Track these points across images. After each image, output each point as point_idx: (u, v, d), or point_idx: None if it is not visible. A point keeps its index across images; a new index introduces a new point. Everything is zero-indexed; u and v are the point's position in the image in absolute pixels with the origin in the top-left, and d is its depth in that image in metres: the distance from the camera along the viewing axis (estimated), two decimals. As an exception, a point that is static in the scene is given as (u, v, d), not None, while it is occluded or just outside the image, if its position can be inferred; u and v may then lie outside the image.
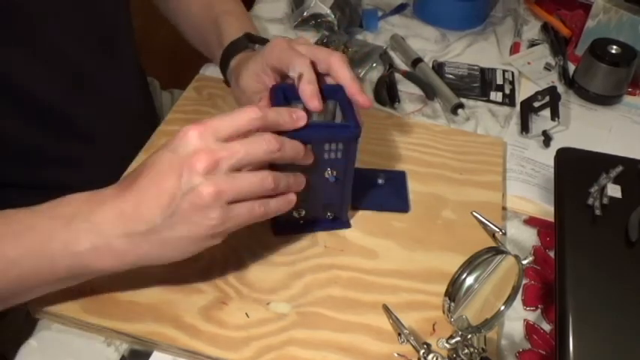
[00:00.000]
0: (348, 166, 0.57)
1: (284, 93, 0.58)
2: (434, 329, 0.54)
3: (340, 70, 0.58)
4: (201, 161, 0.47)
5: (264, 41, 0.70)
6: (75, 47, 0.67)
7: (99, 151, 0.74)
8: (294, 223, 0.61)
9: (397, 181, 0.68)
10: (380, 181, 0.67)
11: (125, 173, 0.63)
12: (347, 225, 0.63)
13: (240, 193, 0.49)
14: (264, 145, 0.49)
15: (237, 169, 0.49)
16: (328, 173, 0.57)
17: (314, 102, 0.56)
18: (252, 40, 0.72)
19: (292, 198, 0.54)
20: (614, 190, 0.60)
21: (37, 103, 0.65)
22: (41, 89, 0.64)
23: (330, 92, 0.58)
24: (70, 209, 0.49)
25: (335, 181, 0.57)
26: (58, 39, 0.64)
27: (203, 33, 0.79)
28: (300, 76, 0.57)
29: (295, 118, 0.52)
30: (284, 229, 0.61)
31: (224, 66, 0.73)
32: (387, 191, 0.67)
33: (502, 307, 0.47)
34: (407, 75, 0.87)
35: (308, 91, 0.56)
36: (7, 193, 0.66)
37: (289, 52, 0.60)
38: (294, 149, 0.52)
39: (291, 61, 0.59)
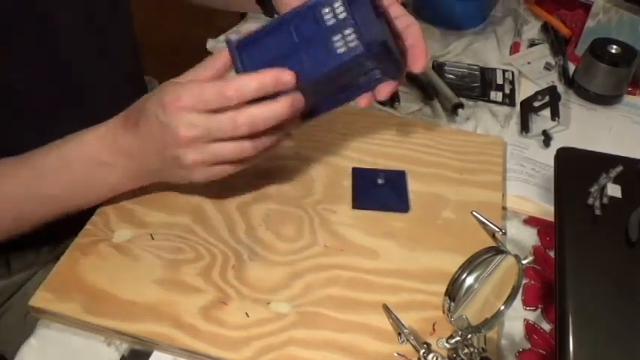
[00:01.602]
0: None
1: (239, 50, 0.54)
2: (434, 329, 0.54)
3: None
4: (187, 136, 0.51)
5: None
6: (74, 47, 0.67)
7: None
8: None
9: (397, 180, 0.68)
10: (380, 181, 0.67)
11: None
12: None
13: (220, 158, 0.54)
14: (229, 125, 0.51)
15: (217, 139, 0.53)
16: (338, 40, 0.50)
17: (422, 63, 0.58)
18: None
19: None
20: (614, 190, 0.60)
21: (33, 105, 0.65)
22: (40, 88, 0.64)
23: None
24: (93, 148, 0.56)
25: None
26: (55, 38, 0.64)
27: None
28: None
29: (282, 81, 0.51)
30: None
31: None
32: (386, 191, 0.67)
33: (502, 307, 0.47)
34: (407, 75, 0.87)
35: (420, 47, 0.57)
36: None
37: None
38: (269, 118, 0.52)
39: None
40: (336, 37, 0.50)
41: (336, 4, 0.51)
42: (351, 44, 0.50)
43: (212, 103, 0.51)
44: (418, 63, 0.58)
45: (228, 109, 0.51)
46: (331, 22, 0.50)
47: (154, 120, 0.52)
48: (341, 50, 0.50)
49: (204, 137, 0.52)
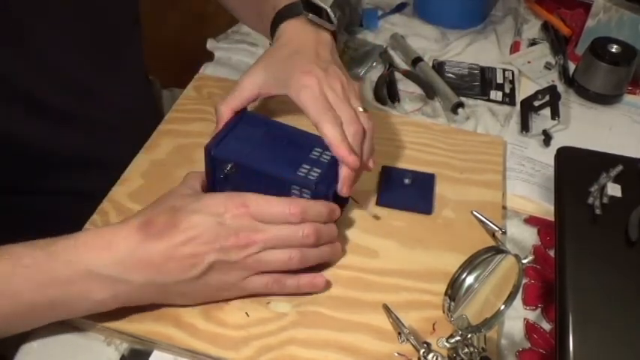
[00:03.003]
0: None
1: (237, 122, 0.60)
2: (434, 329, 0.54)
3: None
4: (240, 240, 0.51)
5: (321, 11, 0.66)
6: (75, 47, 0.67)
7: (98, 150, 0.74)
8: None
9: (424, 182, 0.68)
10: (406, 181, 0.67)
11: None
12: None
13: (265, 267, 0.53)
14: (298, 236, 0.53)
15: (270, 248, 0.52)
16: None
17: (346, 189, 0.57)
18: (309, 8, 0.66)
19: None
20: (614, 190, 0.60)
21: (36, 103, 0.65)
22: (40, 88, 0.64)
23: None
24: (88, 254, 0.49)
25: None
26: (57, 39, 0.64)
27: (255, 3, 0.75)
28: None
29: (333, 215, 0.56)
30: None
31: (273, 29, 0.69)
32: (412, 192, 0.67)
33: (502, 307, 0.47)
34: (407, 74, 0.87)
35: (347, 177, 0.56)
36: (8, 198, 0.66)
37: (320, 109, 0.57)
38: (329, 234, 0.56)
39: (320, 122, 0.56)
40: (295, 190, 0.56)
41: (305, 194, 0.56)
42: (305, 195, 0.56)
43: (276, 217, 0.52)
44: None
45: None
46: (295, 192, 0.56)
47: (208, 220, 0.50)
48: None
49: (262, 243, 0.52)
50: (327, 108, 0.57)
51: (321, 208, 0.55)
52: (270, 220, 0.52)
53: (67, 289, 0.49)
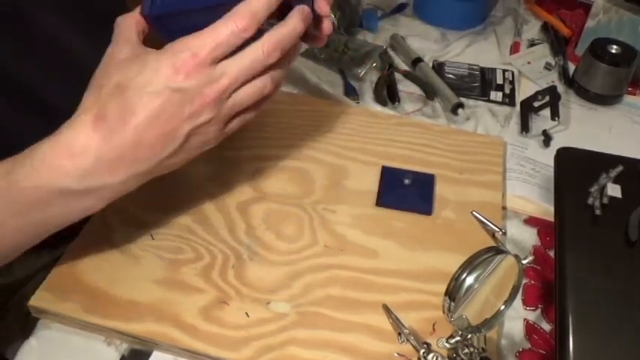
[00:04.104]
0: None
1: None
2: (434, 329, 0.54)
3: None
4: (208, 97, 0.46)
5: None
6: (74, 44, 0.67)
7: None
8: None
9: (424, 183, 0.68)
10: (406, 181, 0.67)
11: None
12: None
13: (238, 108, 0.49)
14: (261, 58, 0.47)
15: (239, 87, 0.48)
16: None
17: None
18: None
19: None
20: (614, 190, 0.60)
21: (36, 101, 0.65)
22: (40, 86, 0.64)
23: None
24: (53, 173, 0.45)
25: None
26: (56, 35, 0.64)
27: None
28: None
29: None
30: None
31: None
32: (412, 192, 0.67)
33: (502, 307, 0.47)
34: (407, 75, 0.87)
35: None
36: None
37: None
38: (292, 33, 0.48)
39: None
40: None
41: None
42: None
43: (231, 43, 0.45)
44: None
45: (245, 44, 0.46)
46: None
47: (163, 93, 0.45)
48: None
49: (230, 87, 0.47)
50: None
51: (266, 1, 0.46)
52: (224, 52, 0.46)
53: (46, 210, 0.46)
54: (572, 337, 0.49)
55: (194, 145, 0.49)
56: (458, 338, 0.46)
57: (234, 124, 0.50)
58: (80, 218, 0.49)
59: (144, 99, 0.45)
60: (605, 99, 0.84)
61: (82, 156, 0.45)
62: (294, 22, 0.48)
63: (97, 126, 0.45)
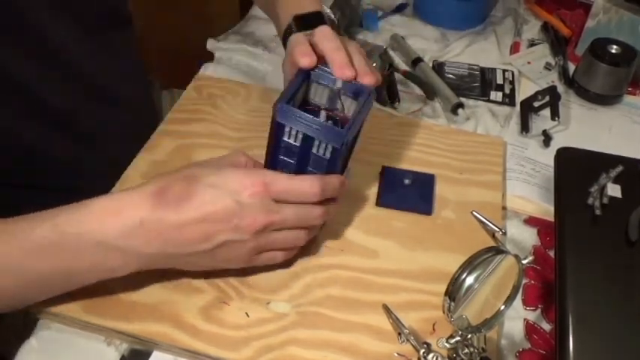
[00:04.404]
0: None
1: (305, 76, 0.57)
2: (434, 329, 0.54)
3: (325, 41, 0.55)
4: (257, 223, 0.50)
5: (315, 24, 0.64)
6: (74, 47, 0.67)
7: (98, 150, 0.74)
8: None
9: (424, 183, 0.68)
10: (406, 181, 0.67)
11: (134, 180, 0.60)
12: None
13: (275, 246, 0.54)
14: (311, 217, 0.53)
15: (282, 228, 0.53)
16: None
17: (344, 71, 0.54)
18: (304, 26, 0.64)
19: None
20: (614, 190, 0.60)
21: (36, 102, 0.65)
22: (40, 88, 0.64)
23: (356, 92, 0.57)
24: (97, 224, 0.48)
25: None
26: (56, 38, 0.64)
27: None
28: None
29: (345, 187, 0.56)
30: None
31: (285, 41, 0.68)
32: (412, 192, 0.67)
33: (502, 307, 0.47)
34: (407, 75, 0.87)
35: (338, 59, 0.54)
36: (6, 193, 0.66)
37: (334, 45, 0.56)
38: (333, 212, 0.56)
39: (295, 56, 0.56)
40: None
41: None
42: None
43: (297, 196, 0.52)
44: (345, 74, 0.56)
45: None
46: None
47: (224, 198, 0.49)
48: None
49: (278, 224, 0.51)
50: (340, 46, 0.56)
51: (335, 182, 0.54)
52: (288, 198, 0.52)
53: (78, 260, 0.48)
54: (572, 337, 0.49)
55: (221, 257, 0.52)
56: (458, 338, 0.46)
57: (262, 258, 0.54)
58: (102, 279, 0.51)
59: (206, 194, 0.49)
60: (605, 99, 0.84)
61: (129, 216, 0.48)
62: (336, 187, 0.55)
63: (154, 197, 0.49)
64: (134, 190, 0.50)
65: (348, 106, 0.58)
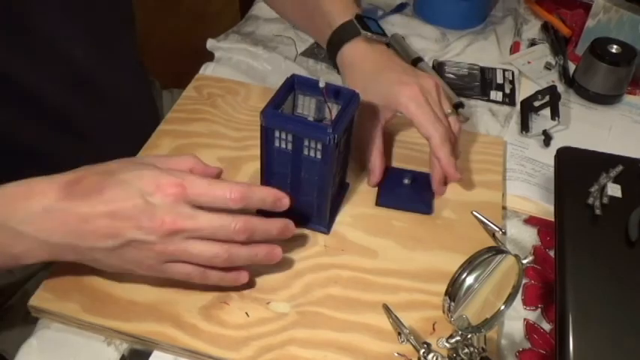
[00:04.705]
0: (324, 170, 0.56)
1: (293, 84, 0.59)
2: (434, 329, 0.54)
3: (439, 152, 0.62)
4: (165, 225, 0.47)
5: (377, 30, 0.70)
6: (74, 45, 0.67)
7: (98, 150, 0.74)
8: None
9: (424, 182, 0.67)
10: (406, 180, 0.67)
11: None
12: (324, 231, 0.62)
13: (188, 258, 0.50)
14: (229, 230, 0.49)
15: (196, 237, 0.49)
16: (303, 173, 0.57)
17: (443, 188, 0.66)
18: (365, 28, 0.69)
19: (242, 277, 0.54)
20: (614, 190, 0.60)
21: (36, 102, 0.65)
22: (40, 87, 0.64)
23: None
24: (4, 208, 0.47)
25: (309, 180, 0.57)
26: (56, 37, 0.64)
27: (307, 11, 0.75)
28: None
29: (279, 204, 0.52)
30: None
31: (333, 49, 0.70)
32: (411, 192, 0.67)
33: (502, 307, 0.47)
34: (407, 74, 0.87)
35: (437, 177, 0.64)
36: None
37: (430, 123, 0.62)
38: (265, 232, 0.52)
39: (432, 138, 0.62)
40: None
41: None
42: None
43: (216, 201, 0.49)
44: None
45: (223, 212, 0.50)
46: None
47: (135, 196, 0.47)
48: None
49: (189, 232, 0.48)
50: (434, 120, 0.62)
51: (265, 194, 0.51)
52: (206, 203, 0.49)
53: None
54: (572, 337, 0.49)
55: (128, 257, 0.49)
56: (458, 338, 0.46)
57: (174, 269, 0.51)
58: (8, 266, 0.50)
59: (118, 189, 0.48)
60: (605, 99, 0.84)
61: (35, 202, 0.47)
62: (273, 225, 0.52)
63: (66, 187, 0.48)
64: (49, 178, 0.49)
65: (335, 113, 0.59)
